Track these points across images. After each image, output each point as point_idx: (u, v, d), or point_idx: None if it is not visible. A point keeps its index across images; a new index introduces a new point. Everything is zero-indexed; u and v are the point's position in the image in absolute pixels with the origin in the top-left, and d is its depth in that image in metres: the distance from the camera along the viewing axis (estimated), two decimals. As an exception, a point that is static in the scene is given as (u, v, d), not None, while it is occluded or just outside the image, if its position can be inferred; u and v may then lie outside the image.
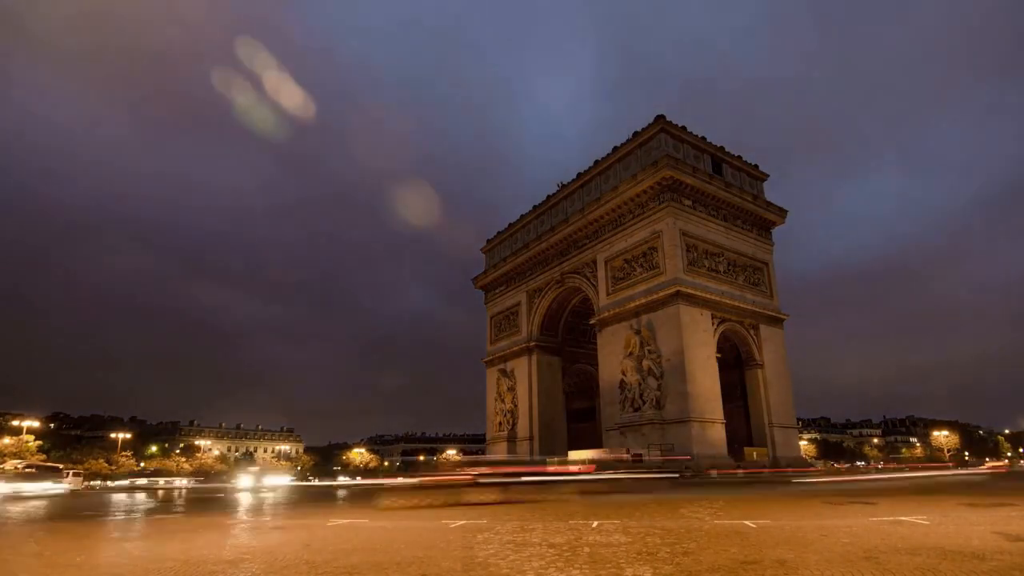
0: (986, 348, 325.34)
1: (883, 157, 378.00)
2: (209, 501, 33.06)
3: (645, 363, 57.49)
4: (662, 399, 55.72)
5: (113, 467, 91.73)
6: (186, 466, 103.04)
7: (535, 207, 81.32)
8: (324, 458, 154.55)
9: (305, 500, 32.25)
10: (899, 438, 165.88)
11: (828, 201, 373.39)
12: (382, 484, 44.12)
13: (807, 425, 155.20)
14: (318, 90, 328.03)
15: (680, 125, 63.29)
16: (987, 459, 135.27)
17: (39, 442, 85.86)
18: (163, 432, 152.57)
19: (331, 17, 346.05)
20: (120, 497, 40.97)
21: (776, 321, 65.21)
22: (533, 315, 79.39)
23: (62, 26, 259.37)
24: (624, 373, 59.68)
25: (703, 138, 64.98)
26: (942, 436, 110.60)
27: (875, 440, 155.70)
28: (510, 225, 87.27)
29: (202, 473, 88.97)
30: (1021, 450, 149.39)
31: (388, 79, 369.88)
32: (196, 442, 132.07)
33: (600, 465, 55.95)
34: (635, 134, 64.73)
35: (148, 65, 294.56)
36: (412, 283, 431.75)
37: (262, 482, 70.44)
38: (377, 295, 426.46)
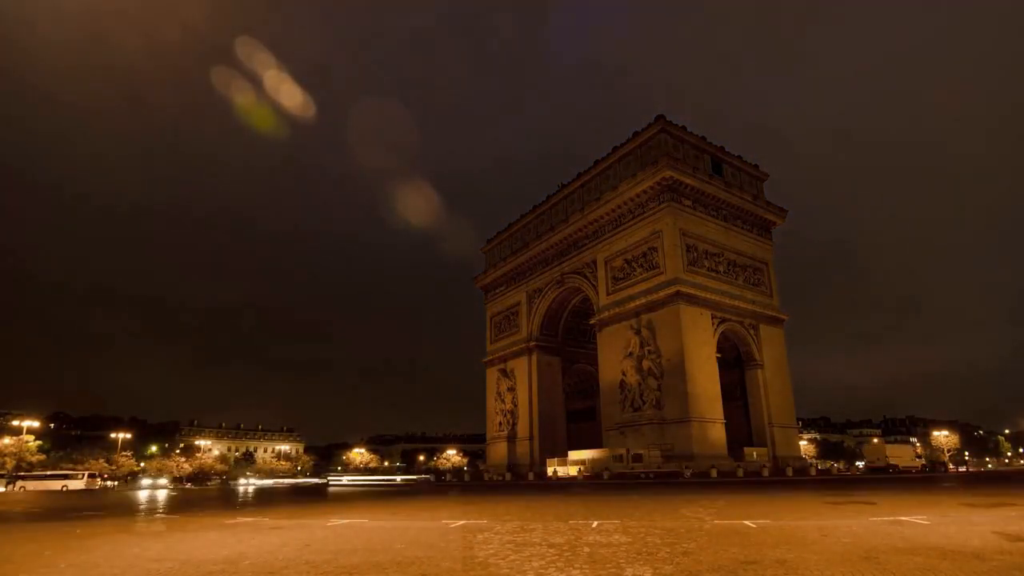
0: (986, 348, 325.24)
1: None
2: None
3: (645, 363, 57.48)
4: (662, 399, 55.72)
5: (114, 467, 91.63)
6: (187, 466, 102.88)
7: (535, 207, 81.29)
8: (324, 458, 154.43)
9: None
10: (899, 438, 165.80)
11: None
12: None
13: (807, 425, 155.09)
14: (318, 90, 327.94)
15: (680, 125, 63.29)
16: (987, 459, 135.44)
17: (39, 442, 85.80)
18: (163, 432, 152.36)
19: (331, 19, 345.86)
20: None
21: (776, 321, 65.20)
22: (533, 315, 79.37)
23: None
24: (624, 373, 59.67)
25: (703, 138, 64.97)
26: (942, 436, 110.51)
27: (875, 440, 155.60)
28: (510, 225, 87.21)
29: None
30: (1021, 450, 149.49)
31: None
32: (196, 442, 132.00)
33: (594, 465, 56.11)
34: (635, 134, 64.72)
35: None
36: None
37: None
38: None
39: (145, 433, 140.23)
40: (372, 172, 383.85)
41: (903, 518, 13.47)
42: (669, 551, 9.22)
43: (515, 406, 79.65)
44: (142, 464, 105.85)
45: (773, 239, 69.67)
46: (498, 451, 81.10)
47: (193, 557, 10.00)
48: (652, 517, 14.98)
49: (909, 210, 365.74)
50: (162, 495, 46.43)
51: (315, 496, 38.88)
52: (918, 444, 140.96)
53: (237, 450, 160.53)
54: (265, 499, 36.10)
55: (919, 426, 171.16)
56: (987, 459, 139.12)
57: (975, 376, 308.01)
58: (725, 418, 56.51)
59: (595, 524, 13.38)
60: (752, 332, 62.46)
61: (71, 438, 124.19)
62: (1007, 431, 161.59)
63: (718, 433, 55.19)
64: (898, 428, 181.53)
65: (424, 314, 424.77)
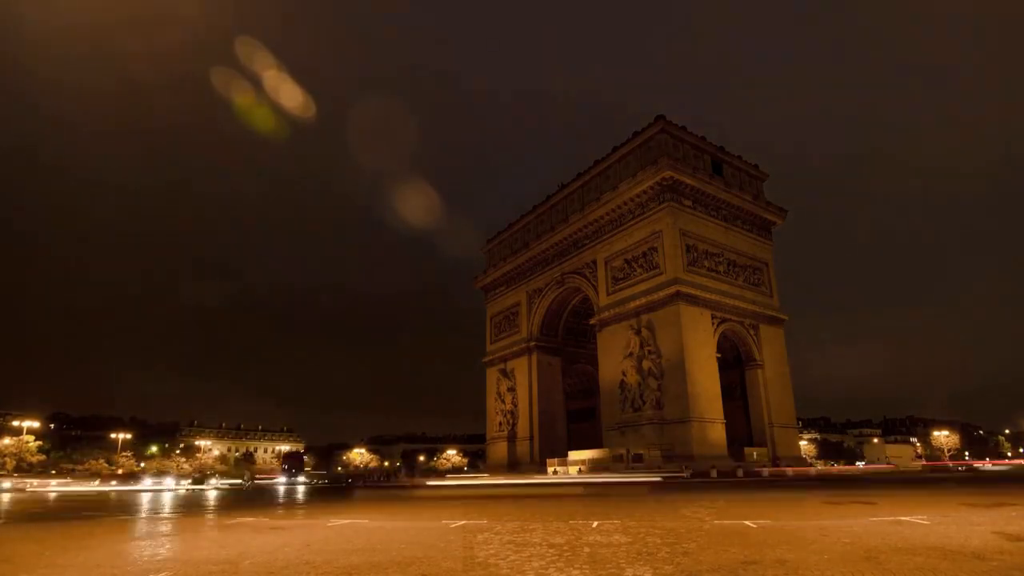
0: (987, 347, 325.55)
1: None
2: None
3: (645, 363, 57.48)
4: (662, 399, 55.71)
5: (114, 467, 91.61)
6: (186, 466, 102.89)
7: (535, 207, 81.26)
8: (324, 458, 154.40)
9: None
10: (899, 438, 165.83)
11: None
12: None
13: (807, 425, 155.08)
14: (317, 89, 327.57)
15: (680, 125, 63.26)
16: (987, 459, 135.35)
17: (39, 442, 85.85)
18: (163, 432, 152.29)
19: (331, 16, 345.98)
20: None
21: (776, 321, 65.18)
22: (533, 315, 79.36)
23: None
24: (624, 373, 59.66)
25: (703, 138, 64.95)
26: (942, 436, 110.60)
27: (875, 440, 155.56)
28: (510, 225, 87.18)
29: None
30: (1021, 450, 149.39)
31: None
32: (196, 442, 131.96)
33: (594, 465, 56.06)
34: (635, 134, 64.68)
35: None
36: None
37: None
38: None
39: (145, 433, 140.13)
40: (371, 170, 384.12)
41: (903, 518, 13.47)
42: (669, 551, 9.22)
43: (515, 406, 79.64)
44: (142, 464, 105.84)
45: (773, 239, 69.71)
46: (498, 451, 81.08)
47: (194, 557, 10.00)
48: (652, 517, 14.99)
49: (910, 209, 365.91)
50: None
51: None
52: (918, 444, 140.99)
53: (237, 450, 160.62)
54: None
55: (919, 426, 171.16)
56: (987, 459, 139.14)
57: (975, 376, 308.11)
58: (725, 418, 56.49)
59: (595, 524, 13.38)
60: (752, 332, 62.46)
61: (71, 438, 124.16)
62: (1007, 431, 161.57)
63: (718, 433, 55.18)
64: (898, 428, 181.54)
65: (424, 314, 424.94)
